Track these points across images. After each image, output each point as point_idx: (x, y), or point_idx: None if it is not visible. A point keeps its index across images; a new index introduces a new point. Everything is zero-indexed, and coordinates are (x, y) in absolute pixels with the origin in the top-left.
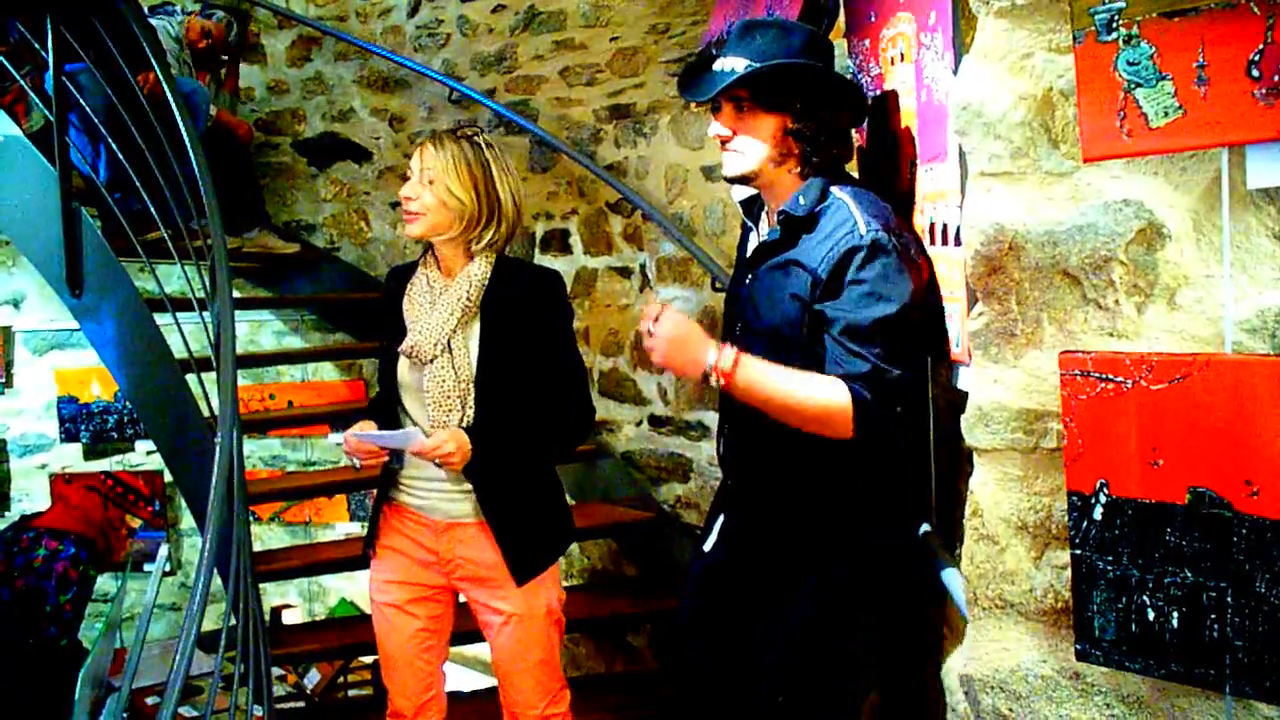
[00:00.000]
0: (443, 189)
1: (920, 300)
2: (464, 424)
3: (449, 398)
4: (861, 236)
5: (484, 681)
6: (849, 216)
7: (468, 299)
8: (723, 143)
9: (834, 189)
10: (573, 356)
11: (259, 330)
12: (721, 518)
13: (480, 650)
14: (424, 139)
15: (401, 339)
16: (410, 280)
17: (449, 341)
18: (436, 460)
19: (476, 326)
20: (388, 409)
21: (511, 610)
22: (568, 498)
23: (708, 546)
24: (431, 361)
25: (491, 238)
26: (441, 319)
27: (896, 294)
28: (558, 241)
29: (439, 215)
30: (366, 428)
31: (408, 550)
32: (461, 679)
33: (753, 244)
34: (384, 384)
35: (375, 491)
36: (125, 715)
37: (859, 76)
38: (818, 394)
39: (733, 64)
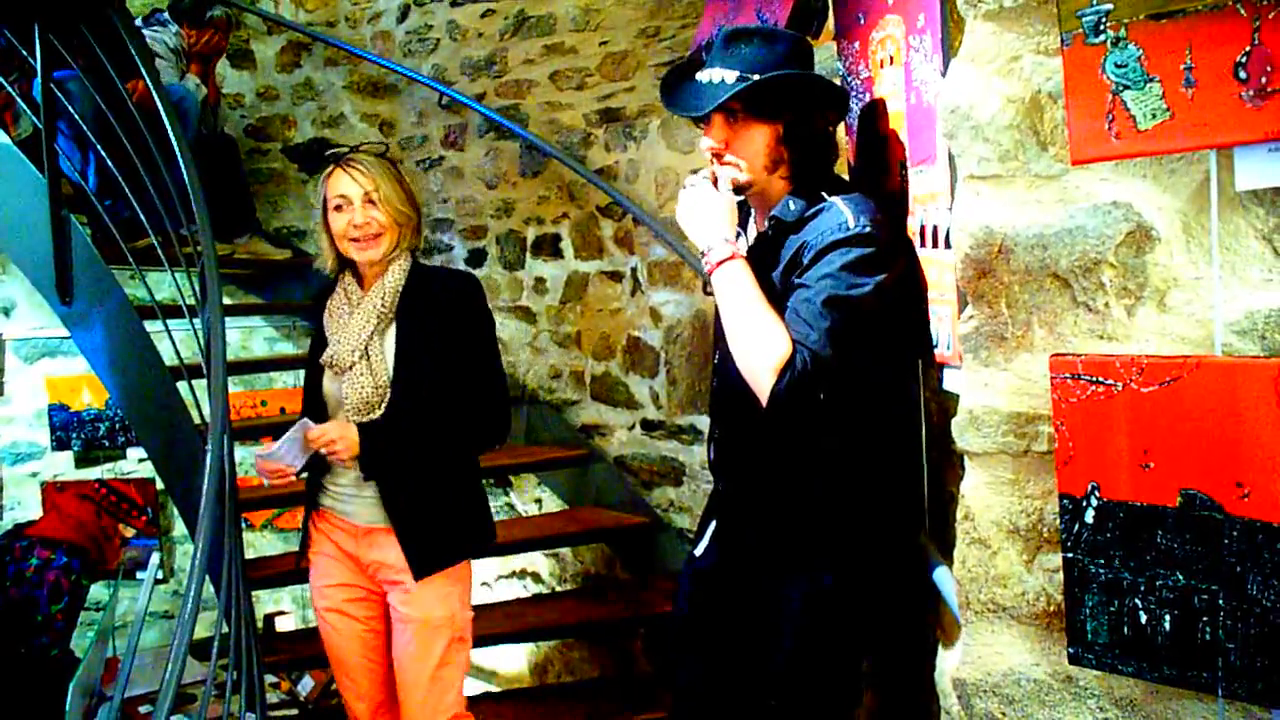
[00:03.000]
0: (390, 207)
1: (896, 299)
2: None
3: (367, 403)
4: (849, 229)
5: (480, 687)
6: (841, 215)
7: (383, 305)
8: (716, 155)
9: (825, 195)
10: (490, 356)
11: (250, 336)
12: (714, 522)
13: (483, 659)
14: (333, 165)
15: (318, 357)
16: (330, 296)
17: (366, 348)
18: (323, 450)
19: (392, 332)
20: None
21: (409, 614)
22: (560, 503)
23: (699, 551)
24: (350, 369)
25: (411, 242)
26: (358, 326)
27: (863, 282)
28: (549, 246)
29: (392, 233)
30: (267, 445)
31: (336, 554)
32: None
33: (741, 249)
34: (307, 402)
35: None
36: None
37: (849, 79)
38: (767, 332)
39: (721, 75)
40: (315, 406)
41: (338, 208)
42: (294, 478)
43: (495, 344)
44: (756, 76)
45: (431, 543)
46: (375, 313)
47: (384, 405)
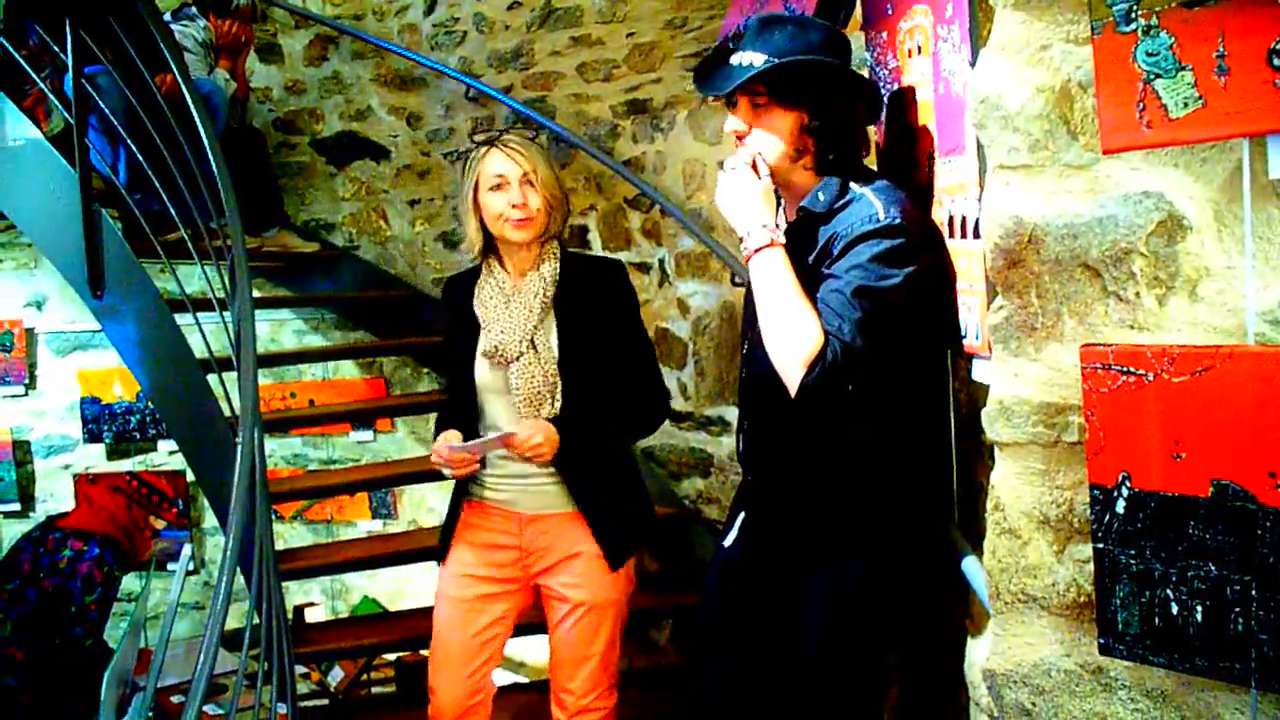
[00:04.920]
0: (546, 190)
1: (926, 290)
2: (552, 417)
3: (538, 393)
4: (879, 221)
5: (509, 678)
6: (871, 206)
7: (544, 295)
8: (739, 137)
9: (854, 185)
10: (643, 340)
11: (279, 329)
12: (742, 514)
13: (509, 649)
14: (488, 145)
15: (471, 344)
16: (476, 285)
17: (532, 338)
18: (526, 454)
19: (552, 321)
20: (465, 414)
21: (582, 599)
22: None
23: (728, 542)
24: (518, 359)
25: (558, 227)
26: (522, 317)
27: (894, 273)
28: (576, 237)
29: (543, 216)
30: (453, 438)
31: (488, 545)
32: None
33: (780, 236)
34: (455, 391)
35: (453, 488)
36: (150, 714)
37: (876, 69)
38: (801, 322)
39: (750, 59)
40: (468, 396)
41: (497, 186)
42: (478, 466)
43: (644, 329)
44: (780, 61)
45: (621, 532)
46: (538, 302)
47: (556, 396)
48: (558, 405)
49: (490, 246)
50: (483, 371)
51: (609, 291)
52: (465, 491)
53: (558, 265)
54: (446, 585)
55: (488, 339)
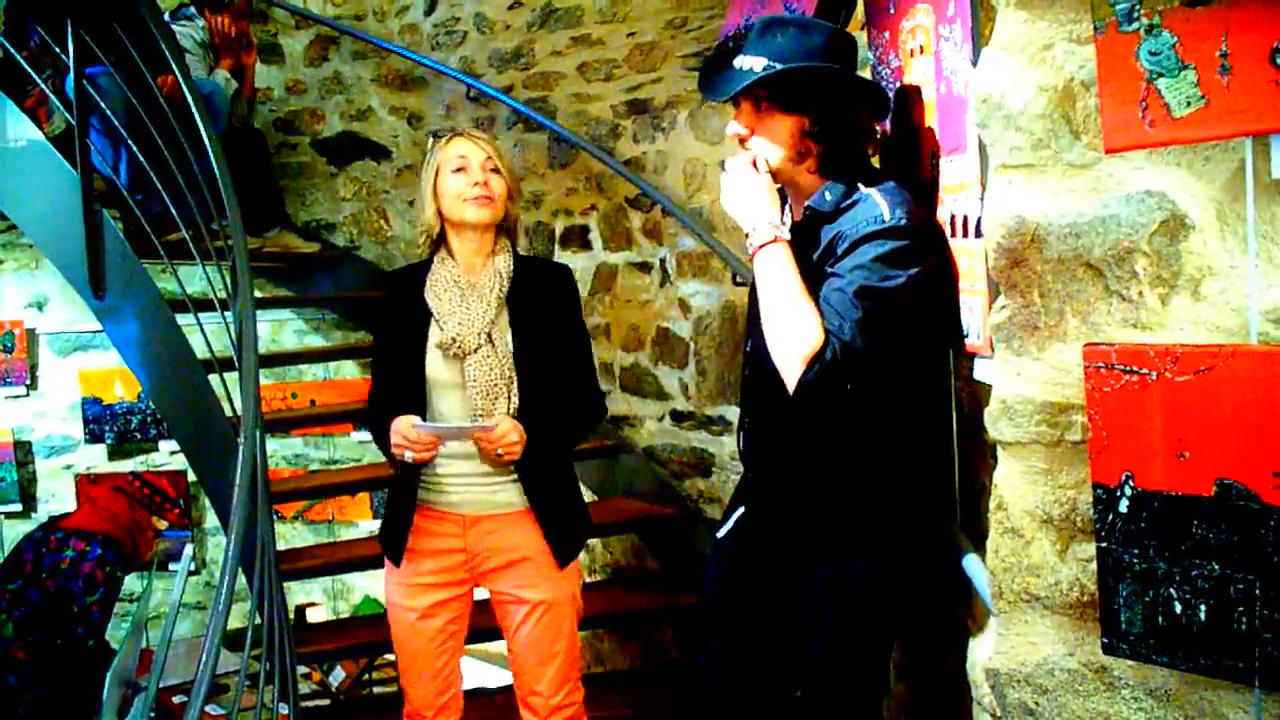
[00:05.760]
0: (505, 177)
1: (929, 290)
2: (510, 413)
3: (495, 386)
4: (885, 222)
5: (507, 678)
6: (877, 207)
7: (500, 289)
8: (741, 141)
9: (861, 186)
10: (587, 346)
11: (281, 329)
12: (741, 509)
13: (503, 646)
14: (451, 134)
15: (416, 339)
16: (428, 278)
17: (489, 332)
18: (499, 450)
19: (505, 318)
20: (409, 408)
21: (540, 598)
22: (590, 493)
23: (721, 534)
24: (476, 351)
25: (511, 223)
26: (480, 309)
27: (897, 274)
28: (577, 238)
29: (502, 202)
30: (415, 420)
31: (433, 551)
32: (485, 676)
33: (785, 232)
34: (394, 385)
35: (390, 487)
36: (152, 714)
37: (879, 69)
38: (802, 320)
39: (752, 63)
40: (413, 388)
41: (460, 169)
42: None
43: (588, 333)
44: (780, 66)
45: (569, 531)
46: (495, 296)
47: (512, 391)
48: (514, 400)
49: (441, 239)
50: (435, 365)
51: (557, 293)
52: (411, 494)
53: (512, 260)
54: (395, 594)
55: (443, 331)
